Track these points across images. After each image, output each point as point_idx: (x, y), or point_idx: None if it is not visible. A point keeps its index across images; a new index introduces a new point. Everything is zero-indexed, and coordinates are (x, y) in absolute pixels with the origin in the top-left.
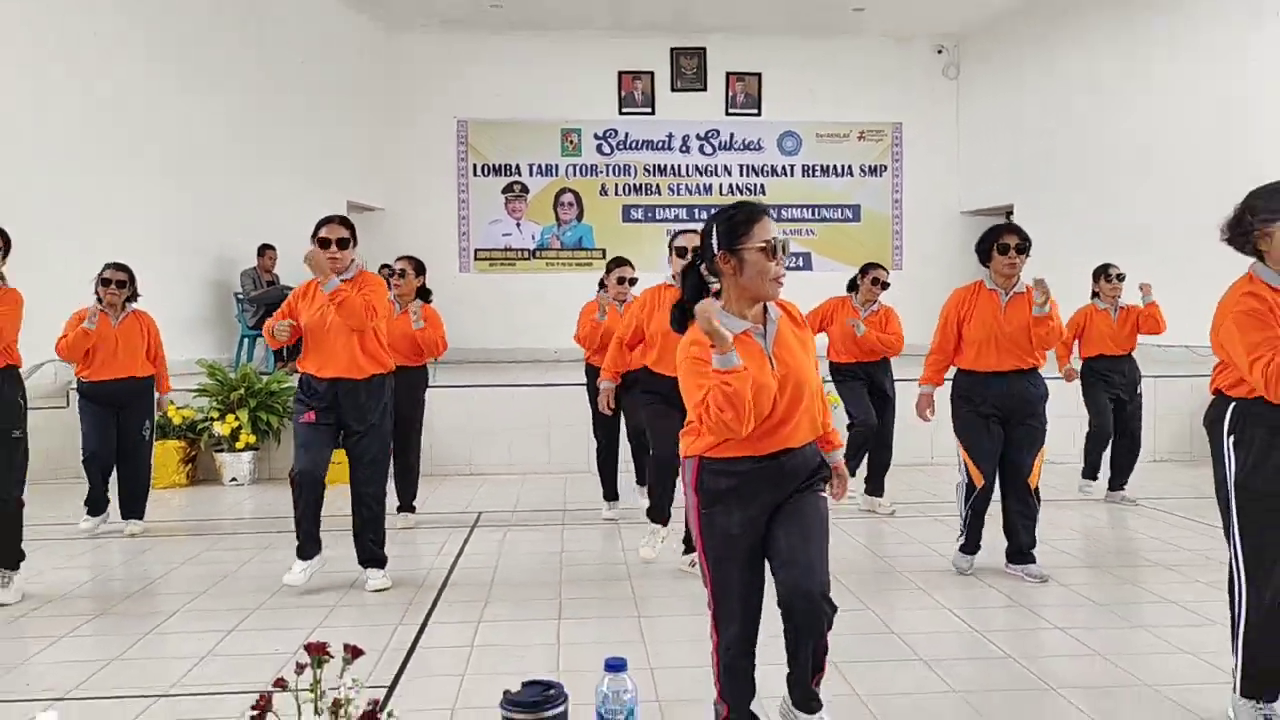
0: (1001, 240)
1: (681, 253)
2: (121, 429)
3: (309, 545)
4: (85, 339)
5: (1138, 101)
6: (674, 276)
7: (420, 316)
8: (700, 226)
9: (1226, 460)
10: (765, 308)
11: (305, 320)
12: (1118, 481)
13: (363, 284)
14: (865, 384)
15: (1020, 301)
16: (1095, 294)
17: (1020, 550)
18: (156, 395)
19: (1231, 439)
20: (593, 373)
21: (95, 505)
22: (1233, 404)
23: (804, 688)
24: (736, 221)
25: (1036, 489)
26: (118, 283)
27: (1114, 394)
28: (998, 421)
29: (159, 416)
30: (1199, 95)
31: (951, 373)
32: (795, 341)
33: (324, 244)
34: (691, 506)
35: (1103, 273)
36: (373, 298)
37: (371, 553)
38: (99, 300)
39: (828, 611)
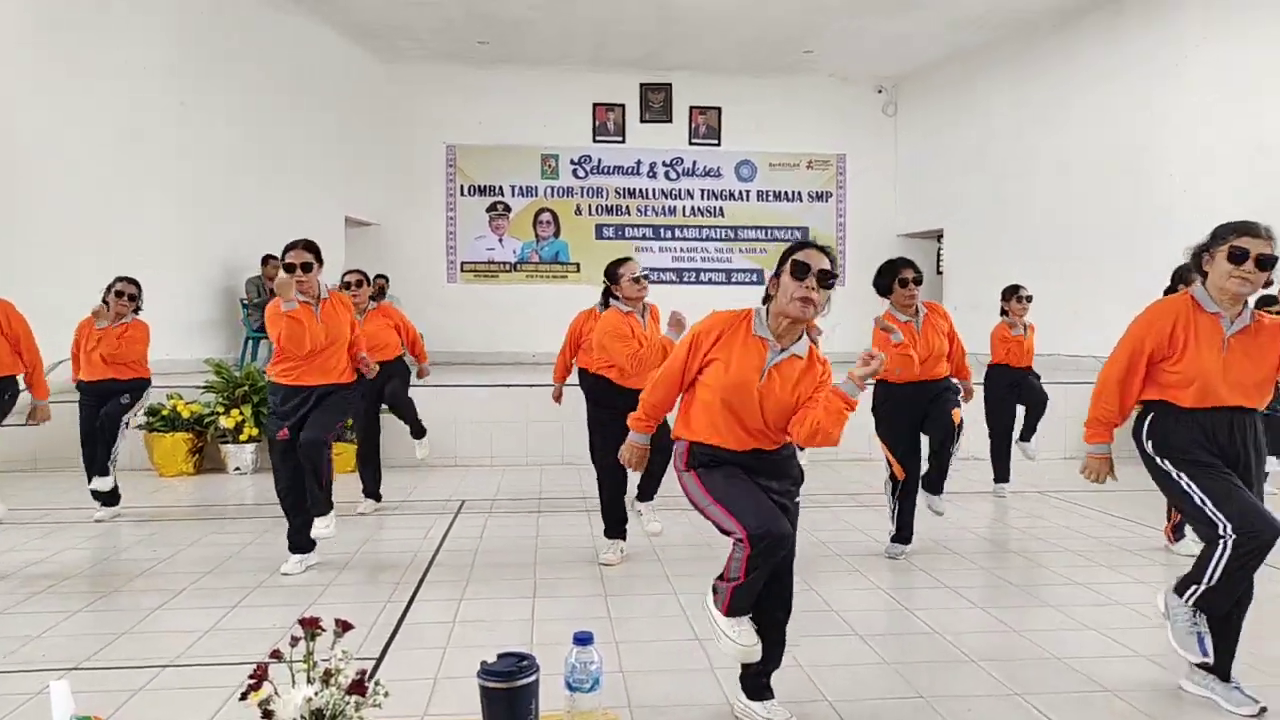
0: (902, 274)
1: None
2: (104, 409)
3: (302, 542)
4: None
5: (1055, 137)
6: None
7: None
8: (656, 246)
9: (1153, 457)
10: (802, 336)
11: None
12: (1025, 434)
13: (335, 305)
14: None
15: (930, 320)
16: (1004, 312)
17: (935, 482)
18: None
19: (1150, 442)
20: (584, 376)
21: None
22: (1151, 413)
23: (760, 687)
24: (787, 251)
25: (960, 423)
26: (129, 295)
27: (1016, 392)
28: (915, 418)
29: (169, 409)
30: (1109, 134)
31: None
32: (797, 378)
33: (289, 269)
34: (690, 481)
35: (1013, 293)
36: (349, 317)
37: (316, 500)
38: (107, 307)
39: (782, 645)
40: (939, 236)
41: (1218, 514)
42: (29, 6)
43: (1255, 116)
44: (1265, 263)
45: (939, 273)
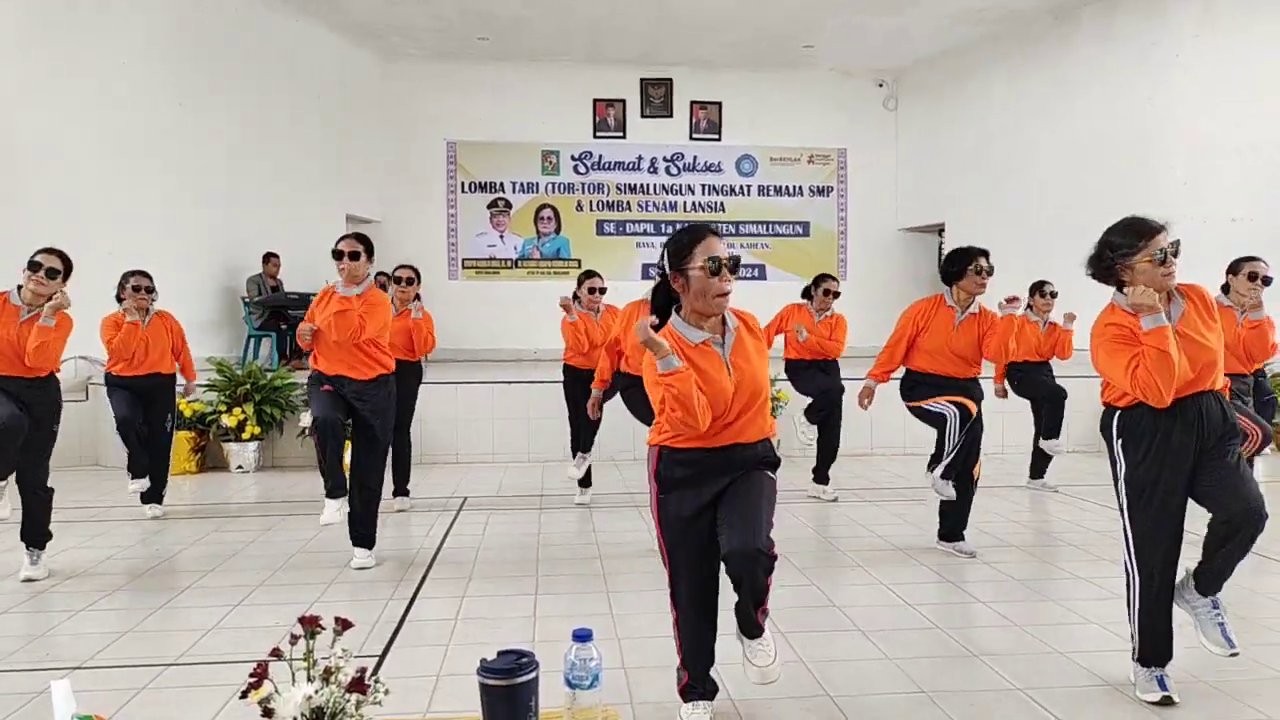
0: (977, 262)
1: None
2: (149, 423)
3: (337, 488)
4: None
5: (1055, 132)
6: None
7: (420, 309)
8: (657, 242)
9: (1117, 461)
10: (724, 319)
11: (319, 323)
12: (1052, 430)
13: (367, 300)
14: (818, 370)
15: (972, 322)
16: (1029, 306)
17: (952, 532)
18: (184, 383)
19: (1120, 442)
20: (569, 371)
21: (139, 469)
22: (1119, 413)
23: (746, 616)
24: (681, 244)
25: (977, 478)
26: (146, 289)
27: (1033, 392)
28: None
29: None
30: (1109, 126)
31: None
32: (752, 350)
33: (338, 255)
34: (651, 494)
35: (1039, 289)
36: (368, 317)
37: (362, 533)
38: (120, 303)
39: (763, 561)
40: (940, 230)
41: (1131, 556)
42: (28, 7)
43: (1253, 109)
44: (1177, 249)
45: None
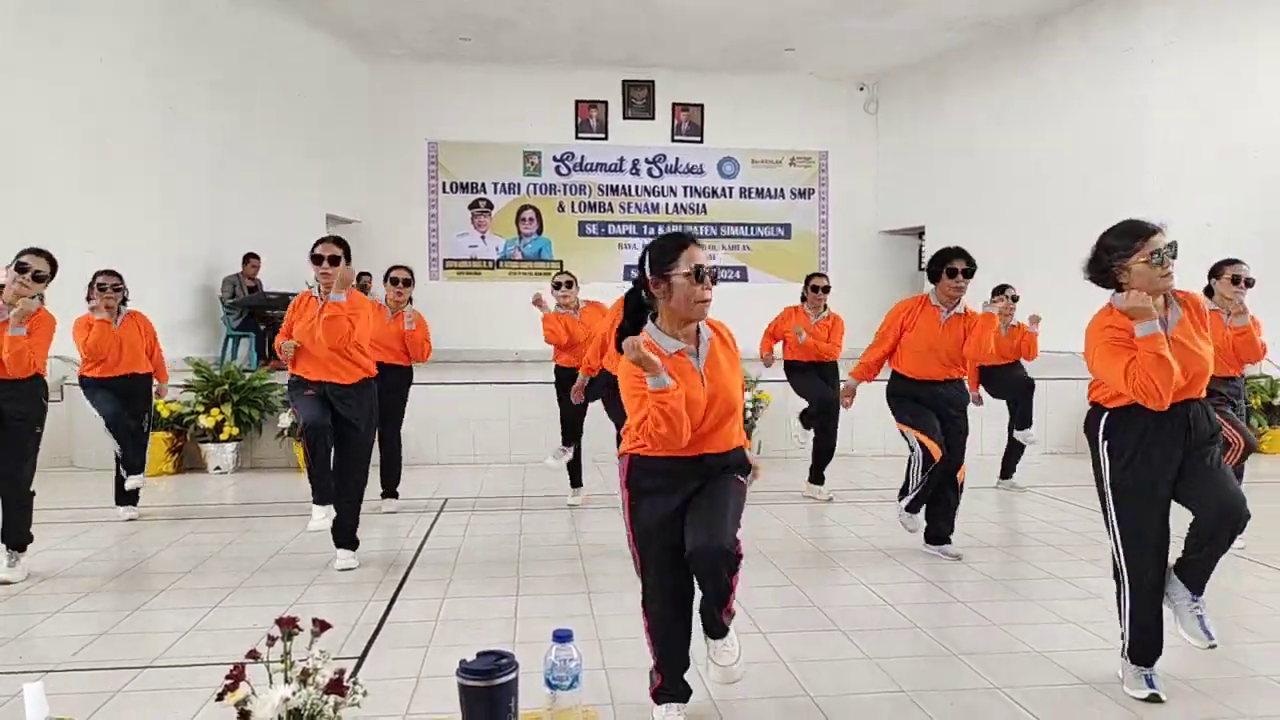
0: (951, 265)
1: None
2: (129, 413)
3: (325, 495)
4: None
5: (1033, 136)
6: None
7: (414, 320)
8: (639, 244)
9: (1101, 462)
10: (698, 329)
11: (297, 330)
12: (1023, 421)
13: (353, 304)
14: (815, 374)
15: (958, 321)
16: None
17: (939, 535)
18: (156, 385)
19: (1106, 444)
20: (559, 371)
21: (133, 463)
22: (1106, 413)
23: (709, 616)
24: (665, 249)
25: (962, 482)
26: (113, 287)
27: (1002, 393)
28: (933, 410)
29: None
30: (1085, 132)
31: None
32: (725, 361)
33: (317, 260)
34: (623, 502)
35: (999, 292)
36: (356, 321)
37: (346, 535)
38: (89, 304)
39: (728, 561)
40: (921, 233)
41: (1121, 557)
42: (6, 6)
43: (1226, 115)
44: (1175, 251)
45: (921, 269)
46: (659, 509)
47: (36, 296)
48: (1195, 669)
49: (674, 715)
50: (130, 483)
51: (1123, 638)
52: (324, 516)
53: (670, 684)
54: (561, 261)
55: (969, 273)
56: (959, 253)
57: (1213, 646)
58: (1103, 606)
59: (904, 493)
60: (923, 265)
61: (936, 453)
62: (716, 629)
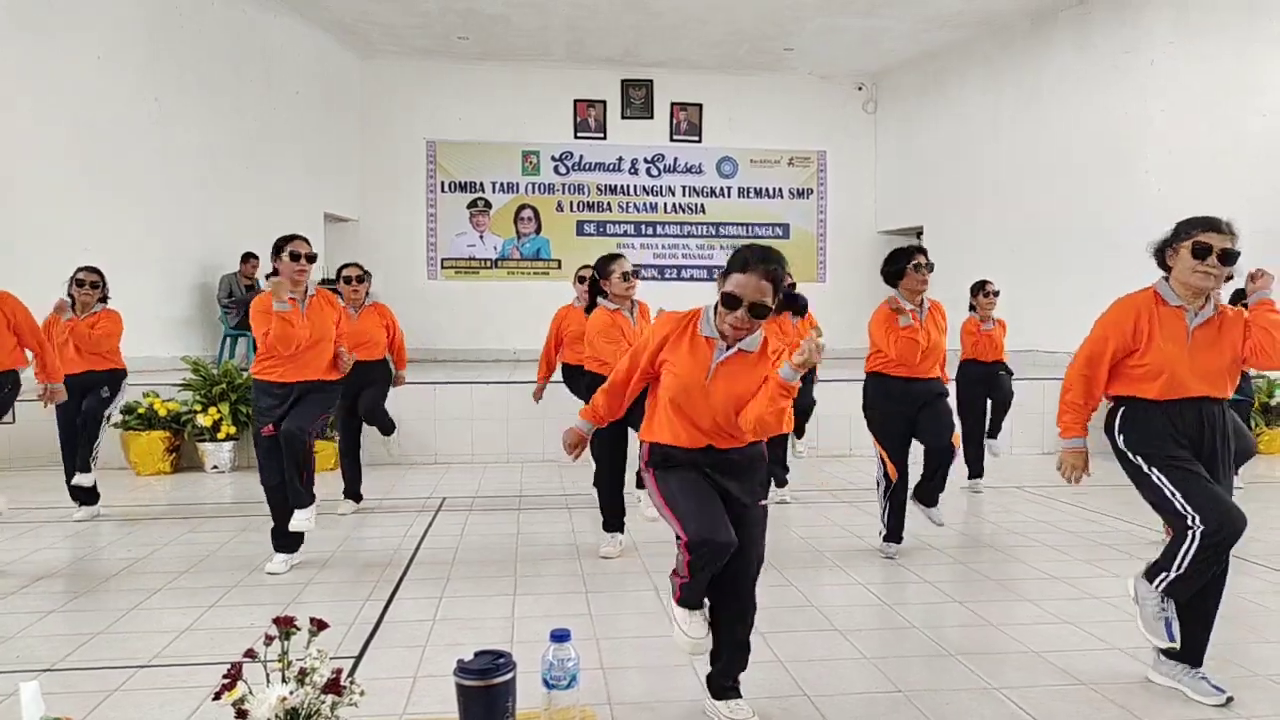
0: (915, 260)
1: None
2: (84, 404)
3: (287, 544)
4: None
5: (1032, 136)
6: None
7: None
8: (638, 243)
9: (1126, 453)
10: (754, 332)
11: (279, 332)
12: (992, 431)
13: (321, 302)
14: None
15: (932, 317)
16: (972, 307)
17: (930, 495)
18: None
19: (1122, 437)
20: (568, 370)
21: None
22: (1123, 407)
23: (728, 677)
24: (734, 259)
25: (956, 448)
26: (90, 284)
27: (986, 389)
28: (908, 417)
29: (146, 408)
30: (1084, 131)
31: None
32: (747, 372)
33: (294, 257)
34: (649, 477)
35: (980, 289)
36: (326, 325)
37: (297, 493)
38: (71, 301)
39: (749, 623)
40: (919, 233)
41: (1187, 506)
42: None
43: (1225, 116)
44: (1227, 258)
45: None
46: (682, 476)
47: None
48: (1203, 669)
49: (698, 619)
50: (78, 479)
51: (1166, 569)
52: (283, 562)
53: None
54: (560, 261)
55: (931, 266)
56: (917, 248)
57: (1229, 700)
58: (1099, 606)
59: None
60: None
61: (894, 475)
62: (731, 692)
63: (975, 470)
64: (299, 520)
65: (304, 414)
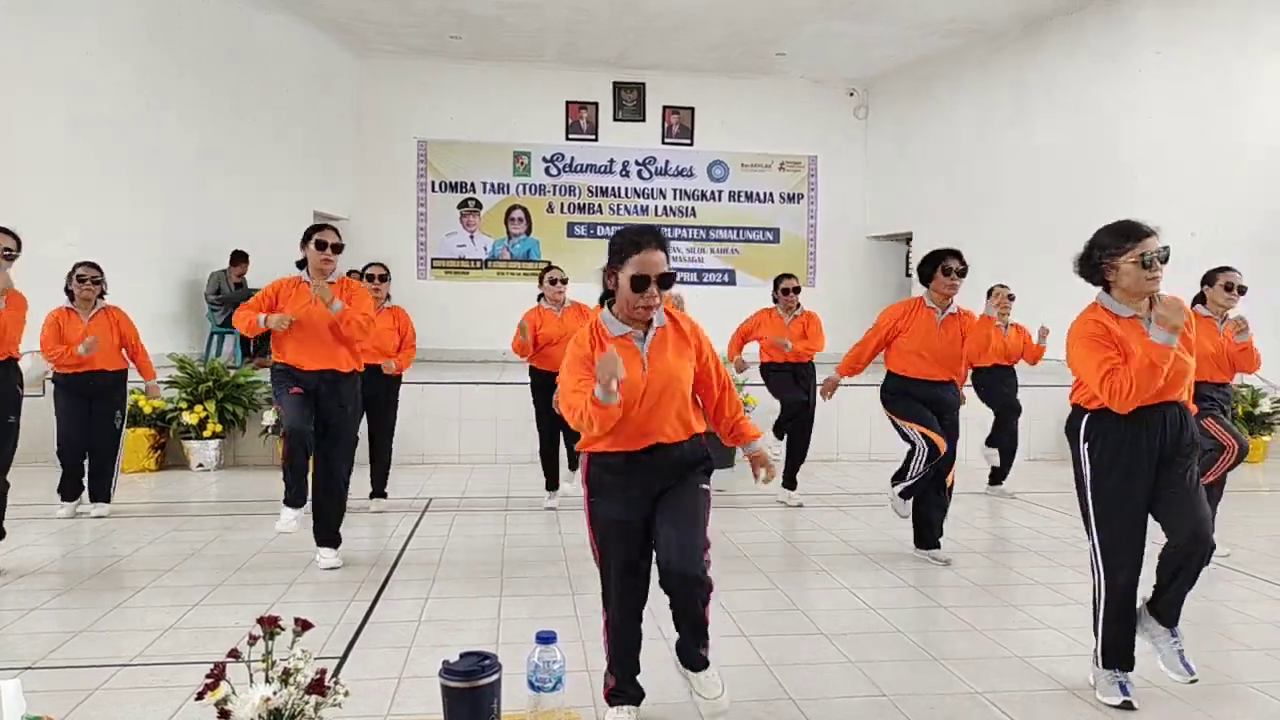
0: (946, 263)
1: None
2: (94, 418)
3: (298, 497)
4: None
5: (1022, 142)
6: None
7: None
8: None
9: (1082, 464)
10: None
11: (291, 314)
12: (999, 476)
13: (350, 293)
14: (790, 376)
15: (953, 322)
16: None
17: (932, 540)
18: (143, 384)
19: (1086, 445)
20: (534, 374)
21: (68, 491)
22: (1087, 415)
23: (689, 653)
24: (622, 247)
25: (951, 485)
26: (92, 279)
27: (994, 400)
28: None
29: (131, 405)
30: (1073, 139)
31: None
32: (673, 349)
33: (321, 246)
34: (583, 498)
35: (994, 293)
36: (365, 308)
37: (329, 532)
38: (70, 297)
39: (702, 591)
40: (908, 239)
41: (1098, 561)
42: None
43: (1214, 124)
44: (1165, 257)
45: (908, 275)
46: (616, 510)
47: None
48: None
49: (626, 717)
50: (61, 511)
51: (1096, 642)
52: (293, 519)
53: (624, 684)
54: (549, 262)
55: (963, 271)
56: (952, 251)
57: (1194, 681)
58: (1084, 613)
59: (899, 477)
60: (910, 271)
61: (941, 445)
62: (697, 662)
63: (994, 477)
64: (328, 559)
65: (344, 454)
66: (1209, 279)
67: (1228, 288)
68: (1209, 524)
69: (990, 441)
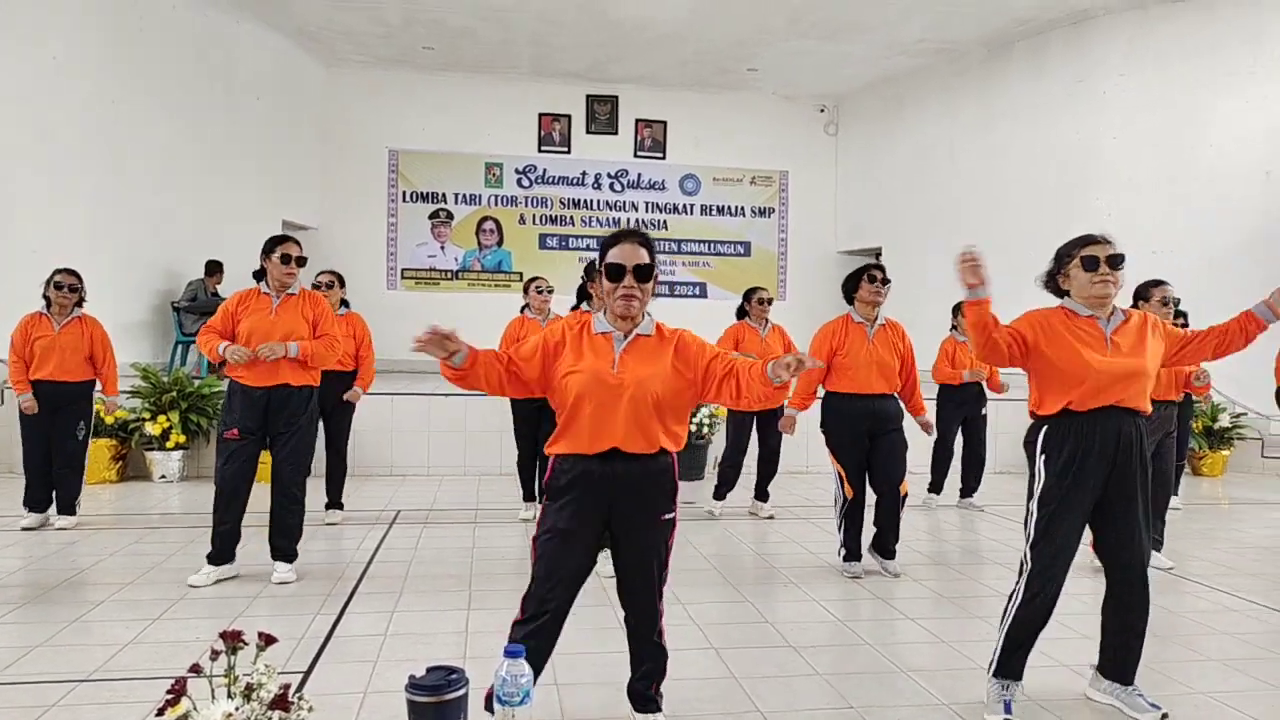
0: (870, 271)
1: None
2: (57, 430)
3: (219, 555)
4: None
5: (987, 162)
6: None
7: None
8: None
9: (1038, 473)
10: (639, 324)
11: (248, 328)
12: (968, 489)
13: (312, 305)
14: (754, 415)
15: (884, 333)
16: (954, 327)
17: (885, 547)
18: (102, 397)
19: (1043, 457)
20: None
21: (35, 503)
22: (1045, 426)
23: (644, 697)
24: (604, 243)
25: (905, 495)
26: (70, 287)
27: (963, 414)
28: (865, 436)
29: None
30: (1037, 158)
31: (822, 395)
32: (651, 358)
33: (285, 260)
34: (540, 508)
35: (959, 311)
36: (329, 325)
37: (285, 547)
38: (48, 303)
39: (661, 657)
40: (878, 254)
41: (1024, 575)
42: None
43: (1173, 145)
44: (1116, 263)
45: None
46: (565, 518)
47: None
48: (1137, 686)
49: None
50: (25, 521)
51: (994, 652)
52: (207, 576)
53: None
54: (521, 273)
55: (886, 280)
56: (874, 264)
57: (1164, 716)
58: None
59: (840, 526)
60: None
61: (850, 492)
62: (651, 705)
63: (935, 485)
64: (282, 573)
65: (297, 468)
66: (1143, 293)
67: (1164, 302)
68: (1144, 562)
69: (964, 492)
